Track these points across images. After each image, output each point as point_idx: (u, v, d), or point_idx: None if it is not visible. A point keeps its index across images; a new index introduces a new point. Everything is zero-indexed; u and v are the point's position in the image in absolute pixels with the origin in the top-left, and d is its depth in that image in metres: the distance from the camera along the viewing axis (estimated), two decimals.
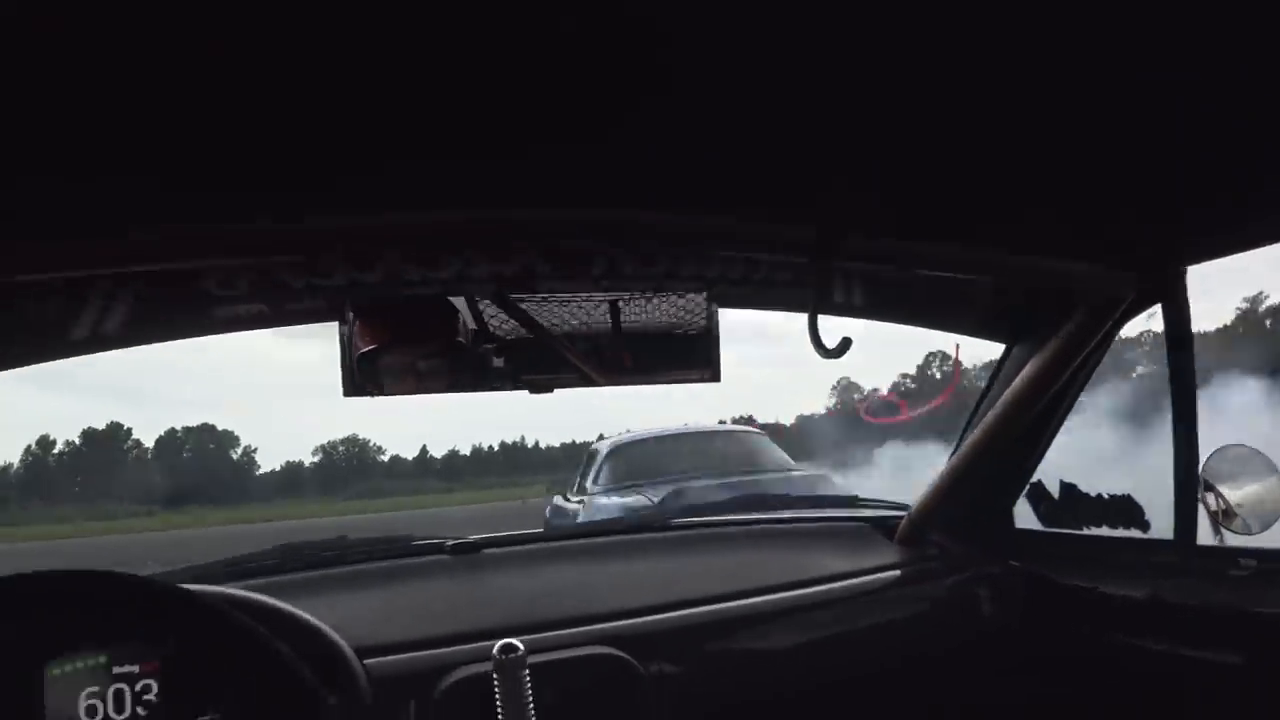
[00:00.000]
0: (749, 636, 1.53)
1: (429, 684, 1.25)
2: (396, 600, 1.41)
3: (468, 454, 55.06)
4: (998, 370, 1.76)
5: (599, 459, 7.83)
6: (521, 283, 1.19)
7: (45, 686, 1.07)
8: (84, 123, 0.76)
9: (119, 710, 1.08)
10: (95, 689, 1.08)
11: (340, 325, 1.14)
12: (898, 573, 1.73)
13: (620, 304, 1.25)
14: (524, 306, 1.21)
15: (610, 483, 7.36)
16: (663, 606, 1.50)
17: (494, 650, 1.17)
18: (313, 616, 1.21)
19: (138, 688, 1.09)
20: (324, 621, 1.21)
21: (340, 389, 1.12)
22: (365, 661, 1.22)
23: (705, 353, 1.25)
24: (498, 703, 1.17)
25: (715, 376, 1.24)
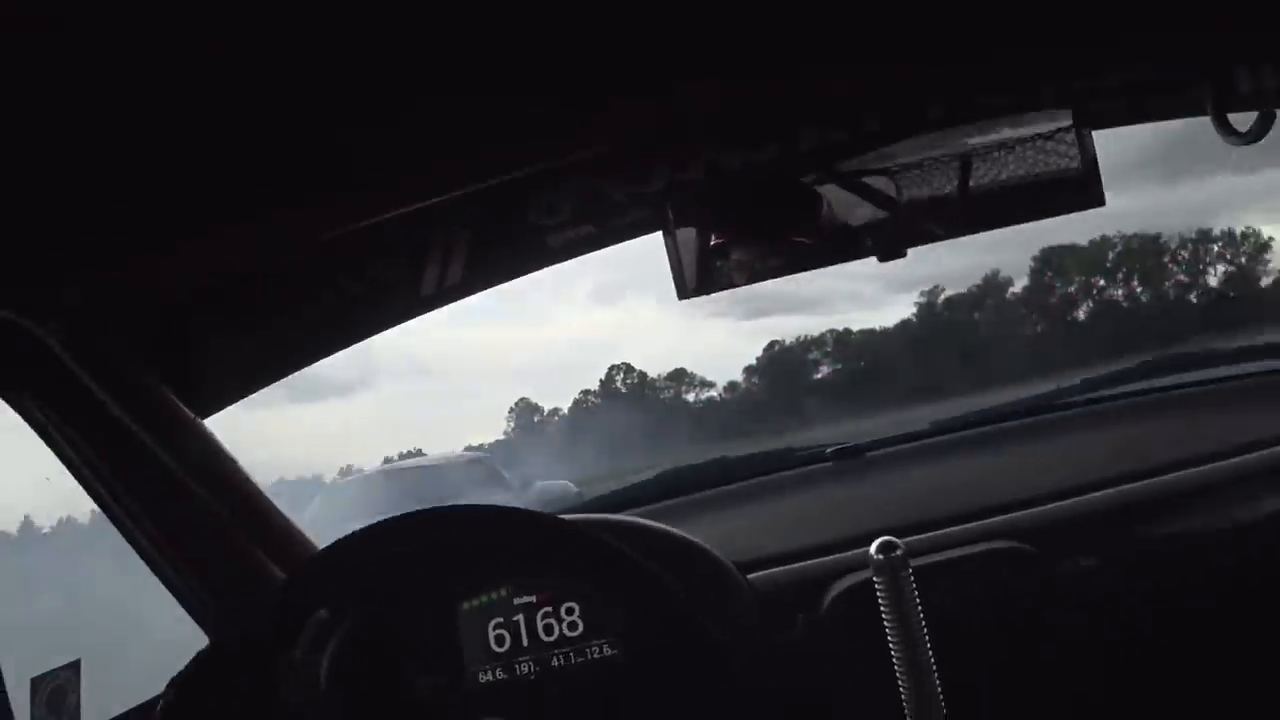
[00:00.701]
0: (1175, 519, 1.28)
1: (816, 595, 1.19)
2: (779, 513, 1.36)
3: None
4: None
5: None
6: (850, 150, 1.07)
7: (459, 621, 1.16)
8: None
9: (518, 641, 1.14)
10: (500, 620, 1.15)
11: (665, 236, 1.10)
12: None
13: (973, 151, 1.08)
14: (854, 171, 1.09)
15: None
16: (1070, 491, 1.30)
17: (871, 551, 1.06)
18: (697, 538, 1.19)
19: (537, 618, 1.14)
20: (709, 542, 1.19)
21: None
22: (750, 577, 1.18)
23: (1082, 180, 1.04)
24: (882, 606, 1.06)
25: (1099, 200, 1.03)
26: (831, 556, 1.24)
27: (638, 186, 1.09)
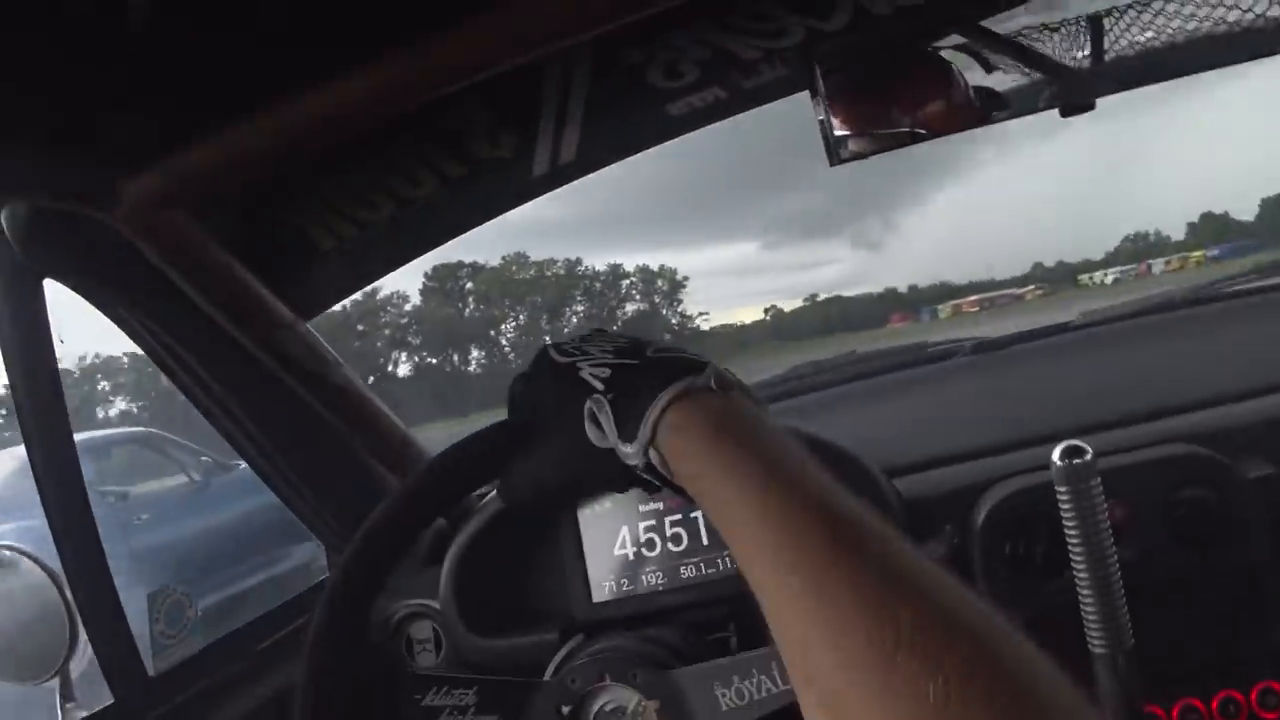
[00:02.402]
0: None
1: (970, 502, 1.07)
2: (921, 413, 1.25)
3: None
4: None
5: None
6: None
7: (582, 528, 1.11)
8: None
9: (649, 547, 1.09)
10: (626, 528, 1.10)
11: (811, 96, 0.96)
12: None
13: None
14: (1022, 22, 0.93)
15: None
16: (1249, 392, 1.15)
17: (1054, 456, 0.93)
18: (833, 438, 1.09)
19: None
20: (845, 443, 1.08)
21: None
22: (895, 482, 1.08)
23: None
24: (1065, 519, 0.93)
25: None
26: (986, 460, 1.12)
27: (771, 41, 0.94)
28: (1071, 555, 0.92)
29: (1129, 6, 0.93)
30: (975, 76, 0.95)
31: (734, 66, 0.98)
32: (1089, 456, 0.91)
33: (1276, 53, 0.92)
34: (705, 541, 1.07)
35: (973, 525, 1.05)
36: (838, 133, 0.94)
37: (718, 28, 0.94)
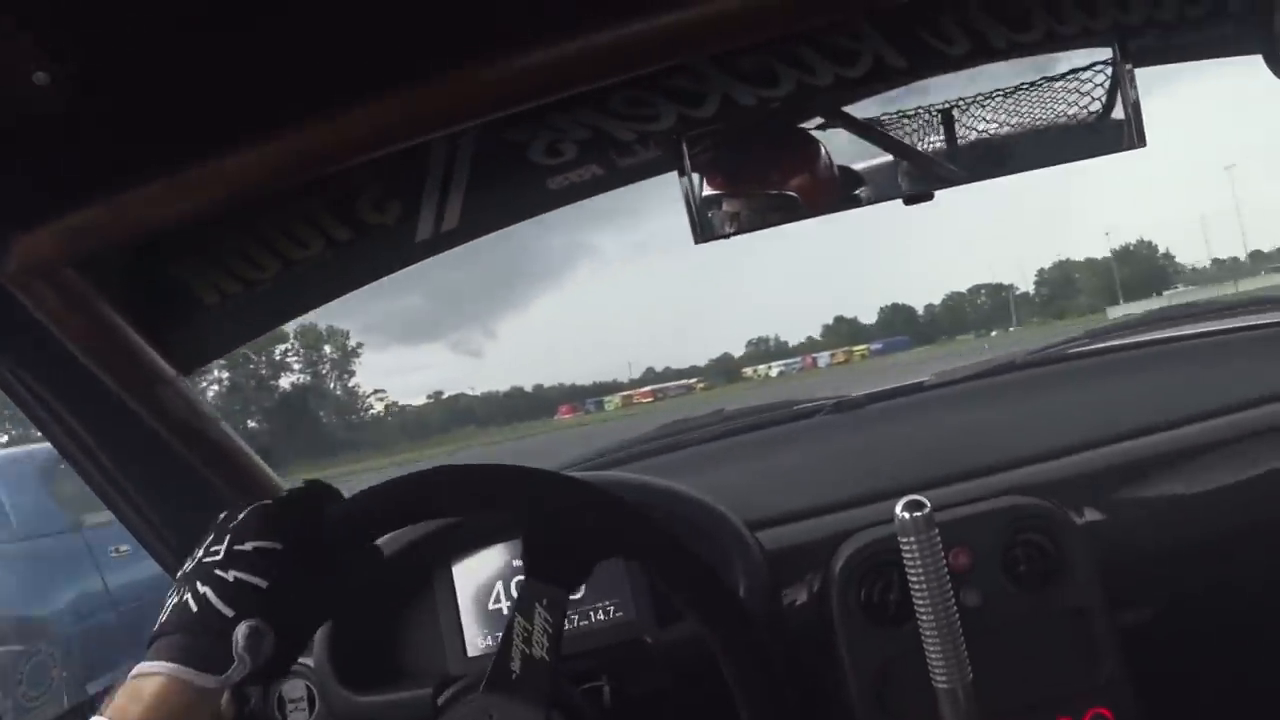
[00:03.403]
0: (1191, 472, 1.25)
1: (828, 553, 1.15)
2: (784, 468, 1.32)
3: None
4: None
5: None
6: (871, 84, 1.01)
7: (455, 579, 1.13)
8: None
9: None
10: (501, 581, 1.12)
11: (679, 176, 1.03)
12: None
13: (1004, 91, 1.03)
14: (877, 111, 1.03)
15: None
16: (1082, 446, 1.27)
17: (898, 509, 1.02)
18: (700, 493, 1.15)
19: None
20: (712, 497, 1.14)
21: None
22: (758, 534, 1.14)
23: (1118, 120, 0.98)
24: (908, 566, 1.02)
25: (1140, 141, 0.97)
26: (844, 513, 1.20)
27: (646, 125, 1.02)
28: (915, 599, 1.00)
29: (974, 100, 1.05)
30: (832, 167, 1.04)
31: (610, 147, 1.04)
32: (928, 509, 1.00)
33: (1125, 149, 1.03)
34: (579, 595, 1.10)
35: (831, 575, 1.12)
36: (704, 212, 1.01)
37: (596, 111, 1.01)
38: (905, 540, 1.00)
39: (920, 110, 1.06)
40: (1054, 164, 1.03)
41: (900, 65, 1.00)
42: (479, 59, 0.84)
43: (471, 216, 1.07)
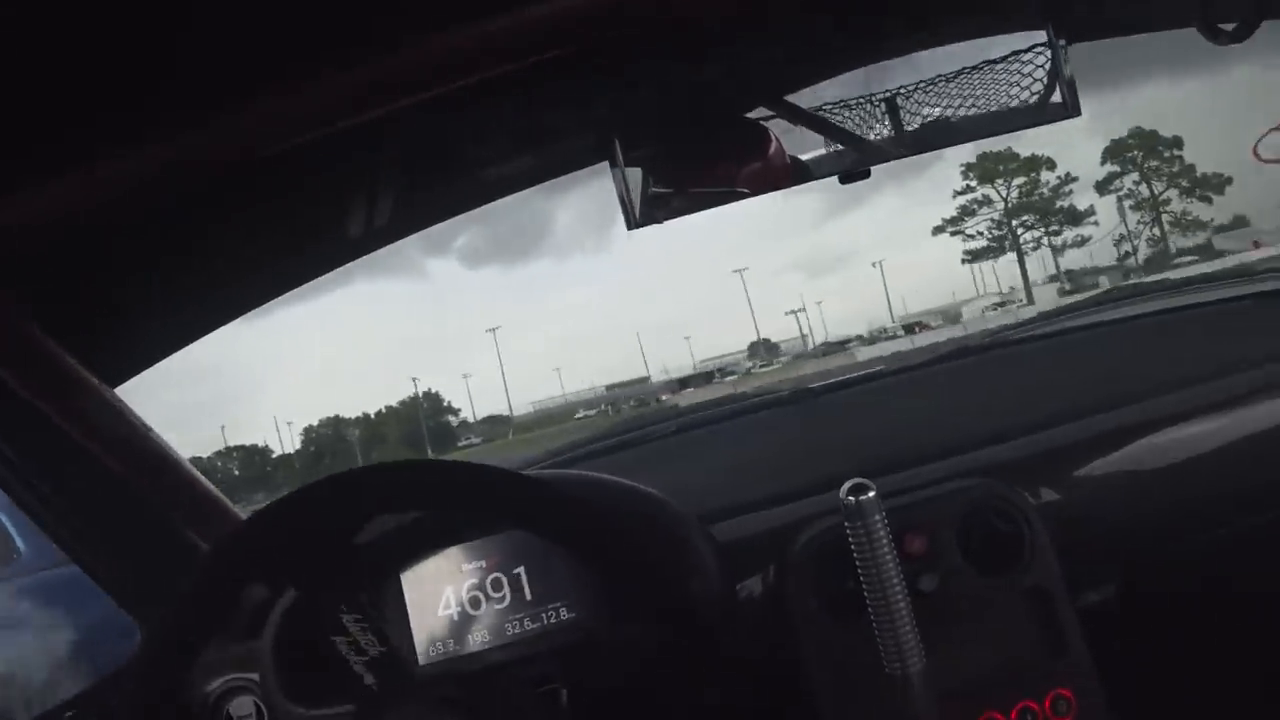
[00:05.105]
0: (1144, 448, 1.25)
1: (785, 542, 1.13)
2: (740, 460, 1.31)
3: None
4: None
5: None
6: (804, 65, 1.00)
7: (404, 587, 1.10)
8: None
9: (474, 605, 1.09)
10: (449, 588, 1.09)
11: (611, 166, 1.02)
12: None
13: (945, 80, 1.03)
14: (812, 90, 1.02)
15: None
16: (1036, 426, 1.27)
17: (842, 493, 1.00)
18: (656, 489, 1.13)
19: (487, 583, 1.09)
20: (665, 492, 1.12)
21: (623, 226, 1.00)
22: (715, 526, 1.12)
23: (1052, 91, 0.99)
24: (855, 550, 1.00)
25: (1075, 110, 0.97)
26: (799, 502, 1.18)
27: (579, 111, 1.00)
28: (863, 583, 0.98)
29: (917, 87, 1.04)
30: (764, 147, 1.03)
31: (544, 136, 1.03)
32: (872, 493, 0.99)
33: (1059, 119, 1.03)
34: (529, 596, 1.08)
35: (786, 565, 1.10)
36: (635, 200, 1.00)
37: (527, 98, 0.99)
38: (850, 525, 0.98)
39: (862, 99, 1.05)
40: (992, 135, 1.03)
41: (838, 42, 0.99)
42: (403, 40, 0.81)
43: (404, 211, 1.05)
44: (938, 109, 1.03)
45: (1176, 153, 35.75)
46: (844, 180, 1.02)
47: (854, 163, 1.03)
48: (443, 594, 1.09)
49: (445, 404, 51.07)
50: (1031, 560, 1.09)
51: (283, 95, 0.79)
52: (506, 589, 1.09)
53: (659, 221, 1.01)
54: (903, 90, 1.05)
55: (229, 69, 0.76)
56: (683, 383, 41.20)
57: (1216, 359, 1.32)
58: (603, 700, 1.03)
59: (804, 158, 1.04)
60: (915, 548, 1.06)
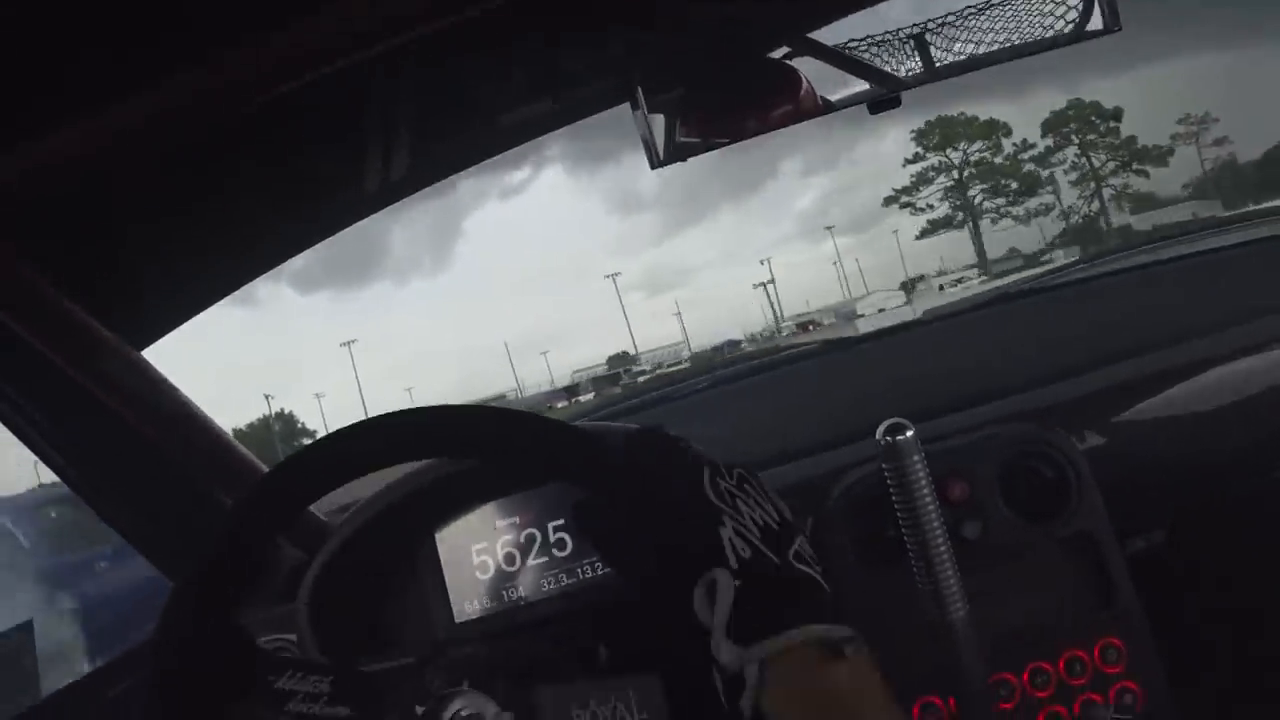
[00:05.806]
0: (1190, 391, 1.21)
1: (823, 492, 1.11)
2: (776, 412, 1.28)
3: None
4: None
5: None
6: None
7: (438, 546, 1.09)
8: None
9: (509, 561, 1.07)
10: (483, 545, 1.08)
11: (633, 109, 0.98)
12: None
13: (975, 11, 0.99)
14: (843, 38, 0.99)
15: None
16: (1078, 370, 1.23)
17: (878, 435, 0.98)
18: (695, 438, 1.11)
19: (520, 539, 1.07)
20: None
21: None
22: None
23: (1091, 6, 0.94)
24: (892, 492, 0.98)
25: (1114, 24, 0.93)
26: (836, 450, 1.16)
27: (597, 52, 0.97)
28: (904, 529, 0.95)
29: (945, 21, 1.00)
30: (788, 80, 0.99)
31: (563, 78, 1.00)
32: (910, 433, 0.96)
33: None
34: (565, 552, 1.07)
35: (824, 514, 1.08)
36: (658, 139, 0.97)
37: (545, 40, 0.96)
38: (888, 467, 0.96)
39: (889, 35, 1.01)
40: (1030, 54, 0.99)
41: None
42: None
43: (421, 162, 1.02)
44: (970, 32, 0.99)
45: None
46: (873, 110, 0.99)
47: (887, 89, 0.98)
48: (477, 551, 1.08)
49: (300, 425, 50.04)
50: (1078, 506, 1.06)
51: (291, 31, 0.76)
52: (542, 544, 1.07)
53: (683, 159, 0.98)
54: (931, 22, 1.01)
55: (235, 5, 0.74)
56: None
57: (1264, 298, 1.28)
58: (638, 659, 1.02)
59: (830, 86, 1.00)
60: (957, 494, 1.04)
